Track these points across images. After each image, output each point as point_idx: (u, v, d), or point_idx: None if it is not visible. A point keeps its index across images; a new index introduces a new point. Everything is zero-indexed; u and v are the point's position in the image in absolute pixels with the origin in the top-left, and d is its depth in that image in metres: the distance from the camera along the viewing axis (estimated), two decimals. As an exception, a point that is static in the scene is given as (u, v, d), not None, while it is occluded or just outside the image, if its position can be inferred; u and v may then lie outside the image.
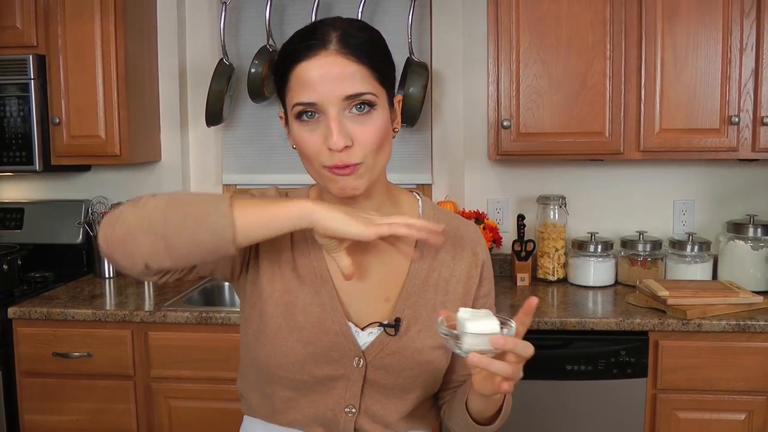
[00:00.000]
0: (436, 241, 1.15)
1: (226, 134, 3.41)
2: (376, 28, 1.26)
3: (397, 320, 1.28)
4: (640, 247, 3.00)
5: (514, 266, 3.04)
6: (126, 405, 2.69)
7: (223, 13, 3.13)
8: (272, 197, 1.29)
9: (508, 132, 2.83)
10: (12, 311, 2.69)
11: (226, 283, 3.16)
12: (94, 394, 2.69)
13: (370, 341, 1.27)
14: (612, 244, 3.05)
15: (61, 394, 2.70)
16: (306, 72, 1.17)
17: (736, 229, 2.93)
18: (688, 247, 2.94)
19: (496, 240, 3.04)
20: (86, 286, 3.07)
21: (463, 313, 1.08)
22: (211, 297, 3.09)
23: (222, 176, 3.43)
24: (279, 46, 3.16)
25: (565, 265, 3.10)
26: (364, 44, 1.19)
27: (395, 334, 1.27)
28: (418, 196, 1.41)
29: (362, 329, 1.28)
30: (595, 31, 2.76)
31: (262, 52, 3.17)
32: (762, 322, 2.45)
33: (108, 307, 2.71)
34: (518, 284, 3.03)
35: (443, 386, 1.38)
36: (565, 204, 3.10)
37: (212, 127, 3.29)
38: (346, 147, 1.16)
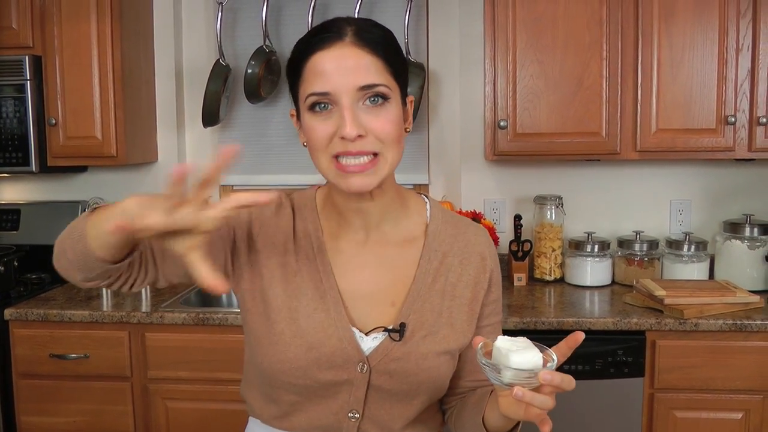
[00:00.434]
0: (264, 199, 1.01)
1: (223, 135, 3.41)
2: None
3: (402, 325, 1.26)
4: (637, 247, 3.01)
5: (511, 266, 3.05)
6: (123, 406, 2.69)
7: (220, 13, 3.13)
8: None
9: (505, 132, 2.83)
10: (8, 313, 2.68)
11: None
12: (91, 396, 2.69)
13: (374, 346, 1.26)
14: (609, 244, 3.05)
15: (58, 395, 2.70)
16: (320, 63, 1.16)
17: (733, 228, 2.93)
18: (685, 247, 2.94)
19: (493, 240, 3.03)
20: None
21: (502, 342, 1.07)
22: (208, 298, 3.08)
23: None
24: (275, 47, 3.20)
25: (562, 265, 3.10)
26: (379, 39, 1.19)
27: (400, 340, 1.25)
28: (426, 199, 1.39)
29: (367, 334, 1.27)
30: (591, 32, 2.76)
31: (259, 52, 3.16)
32: (759, 322, 2.46)
33: (105, 309, 2.70)
34: (515, 284, 3.03)
35: (450, 392, 1.36)
36: (562, 204, 3.10)
37: (209, 128, 3.29)
38: (359, 137, 1.15)
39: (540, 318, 2.52)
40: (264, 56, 3.16)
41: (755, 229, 2.89)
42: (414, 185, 3.30)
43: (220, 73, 3.18)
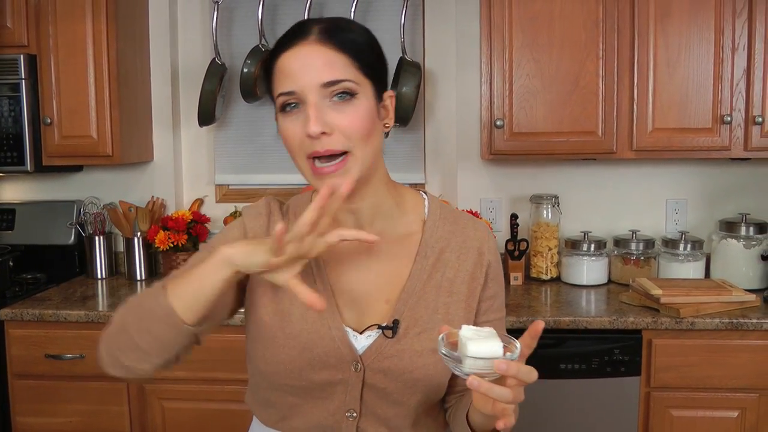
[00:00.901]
0: (368, 238, 1.14)
1: (219, 134, 3.40)
2: (368, 27, 1.26)
3: (395, 322, 1.25)
4: (633, 246, 3.01)
5: (508, 265, 3.04)
6: (119, 407, 2.68)
7: (216, 12, 3.12)
8: (204, 254, 1.24)
9: (501, 131, 2.83)
10: (4, 313, 2.67)
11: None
12: (87, 396, 2.68)
13: (368, 345, 1.25)
14: (605, 243, 3.05)
15: (53, 396, 2.69)
16: (286, 63, 1.18)
17: (729, 227, 2.94)
18: (681, 246, 2.95)
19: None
20: (78, 287, 3.06)
21: (466, 331, 1.05)
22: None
23: (214, 176, 3.42)
24: (271, 46, 3.18)
25: (558, 264, 3.11)
26: (347, 36, 1.20)
27: (393, 337, 1.25)
28: (424, 195, 1.39)
29: (361, 333, 1.27)
30: (587, 31, 2.76)
31: (255, 51, 3.16)
32: (754, 320, 2.46)
33: (101, 308, 2.70)
34: (512, 283, 3.03)
35: (449, 390, 1.34)
36: (558, 203, 3.11)
37: (205, 127, 3.28)
38: (324, 134, 1.15)
39: (536, 317, 2.52)
40: (260, 55, 3.15)
41: (751, 228, 2.90)
42: (410, 184, 3.28)
43: (215, 72, 3.18)
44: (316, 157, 1.17)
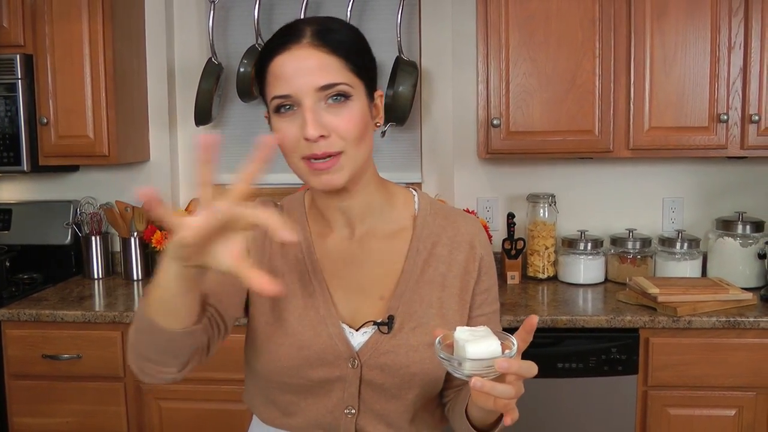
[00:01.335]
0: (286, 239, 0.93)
1: (215, 134, 3.40)
2: (364, 27, 1.27)
3: (390, 318, 1.26)
4: (630, 245, 3.01)
5: (505, 264, 3.05)
6: (116, 407, 2.68)
7: (212, 12, 3.12)
8: None
9: (498, 130, 2.83)
10: (0, 313, 2.67)
11: (216, 284, 3.14)
12: (84, 396, 2.68)
13: (364, 341, 1.27)
14: (602, 242, 3.06)
15: (50, 396, 2.69)
16: (280, 66, 1.19)
17: (725, 226, 2.94)
18: (678, 245, 2.95)
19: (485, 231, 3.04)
20: (75, 287, 3.06)
21: (461, 333, 1.05)
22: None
23: (211, 176, 3.41)
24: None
25: (555, 263, 3.11)
26: (339, 37, 1.20)
27: (388, 332, 1.26)
28: (414, 192, 1.40)
29: (357, 329, 1.28)
30: (584, 30, 2.76)
31: (251, 51, 3.16)
32: (751, 319, 2.47)
33: (97, 309, 2.70)
34: (508, 282, 3.03)
35: (446, 384, 1.34)
36: (555, 202, 3.11)
37: (201, 127, 3.28)
38: (322, 137, 1.17)
39: (534, 316, 2.52)
40: (256, 55, 3.15)
41: (747, 227, 2.90)
42: (407, 184, 3.27)
43: (212, 72, 3.17)
44: (311, 158, 1.19)
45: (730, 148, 2.77)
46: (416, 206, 1.37)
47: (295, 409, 1.30)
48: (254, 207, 0.93)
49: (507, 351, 1.04)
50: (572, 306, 2.70)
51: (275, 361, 1.27)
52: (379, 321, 1.27)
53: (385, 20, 3.18)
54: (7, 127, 2.92)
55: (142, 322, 1.11)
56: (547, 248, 3.08)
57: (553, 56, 2.78)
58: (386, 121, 3.01)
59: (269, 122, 1.27)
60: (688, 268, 2.94)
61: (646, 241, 3.03)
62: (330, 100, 1.18)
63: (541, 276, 3.10)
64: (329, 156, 1.18)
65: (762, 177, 3.13)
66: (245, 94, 3.18)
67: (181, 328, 1.08)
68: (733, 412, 2.52)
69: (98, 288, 3.07)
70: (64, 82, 2.93)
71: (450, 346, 1.06)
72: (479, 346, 1.02)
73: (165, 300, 1.05)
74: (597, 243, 3.02)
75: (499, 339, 1.04)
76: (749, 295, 2.61)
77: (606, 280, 3.07)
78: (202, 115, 3.17)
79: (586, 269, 3.00)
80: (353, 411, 1.28)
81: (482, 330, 1.06)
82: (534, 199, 3.11)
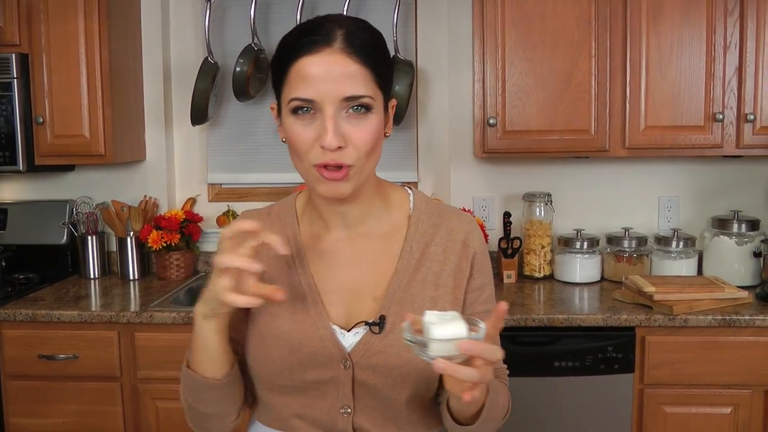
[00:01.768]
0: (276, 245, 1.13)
1: (211, 133, 3.40)
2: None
3: (382, 318, 1.26)
4: (626, 244, 3.02)
5: (501, 264, 3.05)
6: (113, 407, 2.67)
7: (208, 11, 3.12)
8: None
9: (494, 130, 2.83)
10: (-4, 313, 2.67)
11: (213, 283, 3.14)
12: (81, 396, 2.67)
13: (356, 342, 1.27)
14: (598, 241, 3.06)
15: (47, 396, 2.68)
16: (307, 67, 1.16)
17: (721, 224, 2.95)
18: (674, 243, 2.96)
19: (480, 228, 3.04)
20: (71, 287, 3.05)
21: (430, 316, 1.04)
22: (198, 297, 3.07)
23: (207, 175, 3.41)
24: (264, 45, 3.19)
25: (551, 262, 3.11)
26: (368, 45, 1.18)
27: (380, 332, 1.26)
28: (409, 191, 1.40)
29: (349, 330, 1.28)
30: (580, 30, 2.77)
31: (247, 50, 3.15)
32: (747, 317, 2.47)
33: (94, 308, 2.69)
34: (504, 281, 3.04)
35: (441, 384, 1.32)
36: (551, 201, 3.11)
37: (197, 126, 3.28)
38: (339, 147, 1.15)
39: (530, 315, 2.53)
40: (252, 54, 3.15)
41: (743, 225, 2.91)
42: (403, 183, 3.28)
43: (208, 71, 3.17)
44: (325, 165, 1.18)
45: (725, 147, 2.78)
46: (411, 206, 1.37)
47: (292, 411, 1.31)
48: (252, 225, 1.12)
49: (473, 333, 1.04)
50: (568, 305, 2.70)
51: (269, 363, 1.28)
52: (370, 321, 1.27)
53: (382, 19, 3.17)
54: (2, 127, 2.91)
55: (196, 387, 1.27)
56: (543, 247, 3.08)
57: (549, 56, 2.79)
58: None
59: (276, 113, 1.26)
60: (683, 267, 2.95)
61: (642, 240, 3.04)
62: (351, 110, 1.17)
63: (537, 275, 3.10)
64: (340, 167, 1.17)
65: (757, 176, 3.15)
66: (241, 94, 3.18)
67: (230, 368, 1.27)
68: (729, 410, 2.53)
69: (94, 288, 3.07)
70: (60, 81, 2.93)
71: (420, 332, 1.06)
72: (446, 328, 1.02)
73: (211, 354, 1.24)
74: (593, 242, 3.03)
75: (469, 324, 1.04)
76: (745, 294, 2.62)
77: (602, 278, 3.07)
78: (198, 115, 3.17)
79: (582, 268, 3.01)
80: (349, 410, 1.28)
81: (451, 314, 1.06)
82: (530, 198, 3.12)
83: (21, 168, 2.94)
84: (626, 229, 3.06)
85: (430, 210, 1.36)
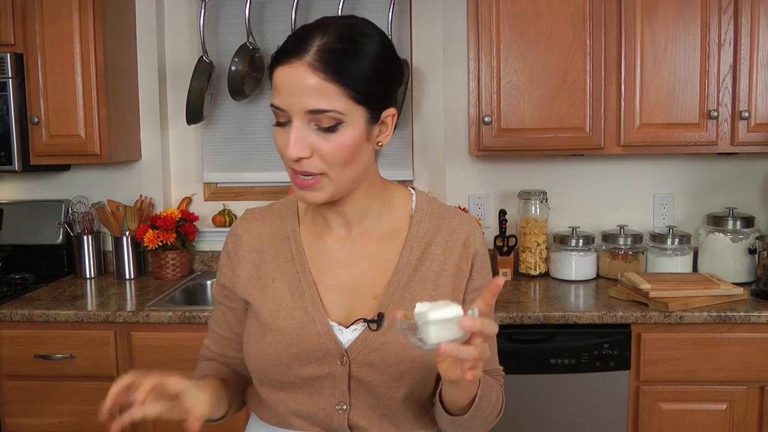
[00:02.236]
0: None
1: (207, 132, 3.39)
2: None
3: (380, 315, 1.27)
4: (621, 241, 3.03)
5: (496, 261, 3.06)
6: (110, 406, 2.67)
7: (203, 10, 3.11)
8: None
9: (489, 128, 2.84)
10: (-8, 313, 2.67)
11: (209, 282, 3.15)
12: (78, 396, 2.67)
13: (353, 338, 1.28)
14: (593, 239, 3.07)
15: (43, 396, 2.68)
16: (279, 77, 1.18)
17: (716, 222, 2.96)
18: (669, 241, 2.97)
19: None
20: (67, 286, 3.05)
21: (421, 307, 1.04)
22: (194, 296, 3.08)
23: (203, 174, 3.41)
24: (259, 44, 3.19)
25: (546, 260, 3.12)
26: (345, 59, 1.16)
27: (377, 329, 1.27)
28: (412, 191, 1.41)
29: (347, 327, 1.29)
30: (575, 28, 2.77)
31: (242, 49, 3.15)
32: (742, 314, 2.48)
33: (90, 308, 2.69)
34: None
35: (438, 382, 1.32)
36: (547, 199, 3.12)
37: (192, 126, 3.28)
38: (301, 158, 1.18)
39: (526, 312, 2.53)
40: (247, 53, 3.15)
41: (738, 222, 2.92)
42: (399, 182, 3.29)
43: (203, 71, 3.17)
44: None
45: (720, 145, 2.79)
46: (413, 206, 1.38)
47: (288, 407, 1.32)
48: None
49: (469, 312, 1.04)
50: (564, 302, 2.71)
51: (266, 359, 1.29)
52: (368, 318, 1.28)
53: (376, 18, 3.12)
54: (-3, 127, 2.91)
55: None
56: (538, 245, 3.09)
57: (544, 54, 2.79)
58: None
59: None
60: (679, 264, 2.96)
61: (637, 238, 3.04)
62: (320, 126, 1.17)
63: (533, 273, 3.11)
64: (309, 175, 1.20)
65: (752, 173, 3.15)
66: (236, 93, 3.18)
67: (228, 407, 1.38)
68: (724, 406, 2.54)
69: (90, 287, 3.07)
70: (55, 81, 2.92)
71: (414, 327, 1.06)
72: (441, 311, 1.02)
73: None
74: (588, 239, 3.04)
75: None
76: (740, 290, 2.63)
77: (598, 276, 3.08)
78: (194, 114, 3.17)
79: (577, 266, 3.01)
80: (345, 407, 1.29)
81: (443, 302, 1.05)
82: (525, 196, 3.12)
83: (16, 168, 2.93)
84: (621, 227, 3.07)
85: (432, 210, 1.37)
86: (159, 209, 3.31)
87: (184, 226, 3.19)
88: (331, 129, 1.17)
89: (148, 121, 3.31)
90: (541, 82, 2.80)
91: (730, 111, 2.76)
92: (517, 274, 3.15)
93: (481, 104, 2.84)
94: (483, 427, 1.27)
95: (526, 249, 3.11)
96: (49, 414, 2.69)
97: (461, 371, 1.07)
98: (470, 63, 2.86)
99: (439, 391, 1.25)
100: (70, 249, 3.27)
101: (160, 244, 3.11)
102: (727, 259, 2.92)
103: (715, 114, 2.74)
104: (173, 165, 3.41)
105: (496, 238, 3.07)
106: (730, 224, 2.93)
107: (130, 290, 2.99)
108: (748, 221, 2.93)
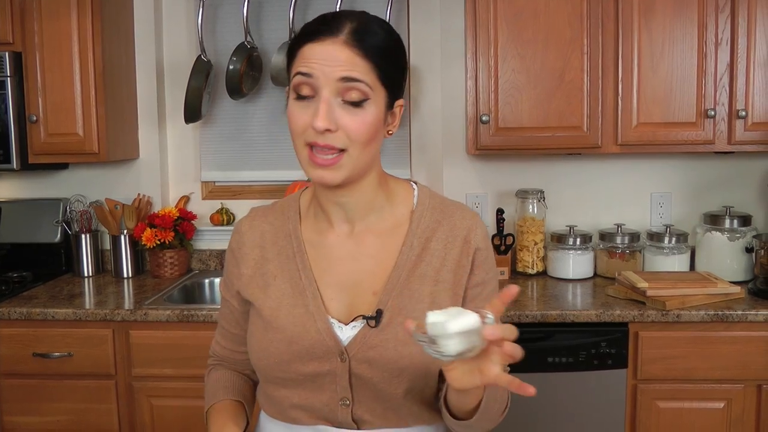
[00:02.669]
0: None
1: (205, 131, 3.40)
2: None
3: (378, 312, 1.28)
4: (619, 240, 3.03)
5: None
6: (108, 405, 2.67)
7: (201, 9, 3.11)
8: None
9: (487, 127, 2.84)
10: (-10, 312, 2.67)
11: (207, 281, 3.15)
12: (76, 395, 2.67)
13: (353, 335, 1.28)
14: (590, 237, 3.07)
15: (42, 394, 2.68)
16: (310, 51, 1.20)
17: (713, 220, 2.97)
18: (666, 239, 2.97)
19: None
20: (65, 285, 3.05)
21: (434, 317, 1.02)
22: (192, 294, 3.08)
23: (201, 173, 3.41)
24: (257, 43, 3.19)
25: (544, 259, 3.12)
26: (375, 42, 1.21)
27: (376, 326, 1.27)
28: (414, 186, 1.41)
29: (347, 324, 1.29)
30: (572, 27, 2.78)
31: (240, 48, 3.16)
32: (739, 312, 2.49)
33: (88, 306, 2.69)
34: (498, 278, 3.04)
35: (441, 378, 1.31)
36: (544, 198, 3.12)
37: (190, 124, 3.28)
38: (328, 130, 1.18)
39: (523, 311, 2.54)
40: (245, 52, 3.16)
41: (735, 221, 2.93)
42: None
43: (201, 69, 3.17)
44: (314, 146, 1.20)
45: (717, 144, 2.79)
46: (414, 201, 1.38)
47: (292, 403, 1.32)
48: None
49: (486, 320, 1.03)
50: (562, 301, 2.71)
51: (267, 356, 1.30)
52: (367, 315, 1.28)
53: (374, 17, 3.18)
54: (-4, 125, 2.91)
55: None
56: (536, 244, 3.09)
57: (541, 53, 2.80)
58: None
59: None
60: (676, 263, 2.96)
61: (634, 236, 3.05)
62: (347, 96, 1.19)
63: (530, 271, 3.11)
64: (331, 150, 1.20)
65: (749, 171, 3.16)
66: (234, 92, 3.18)
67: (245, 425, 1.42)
68: (722, 405, 2.54)
69: (88, 286, 3.07)
70: (53, 79, 2.92)
71: (433, 339, 1.03)
72: (458, 321, 1.00)
73: None
74: (586, 238, 3.04)
75: (474, 313, 1.03)
76: (737, 289, 2.63)
77: (595, 275, 3.08)
78: (192, 113, 3.17)
79: (575, 264, 3.02)
80: (348, 402, 1.30)
81: (454, 310, 1.04)
82: (523, 194, 3.13)
83: (14, 166, 2.93)
84: (619, 225, 3.07)
85: (433, 206, 1.37)
86: (157, 208, 3.31)
87: (182, 225, 3.20)
88: (358, 104, 1.19)
89: (146, 120, 3.31)
90: (539, 81, 2.81)
91: (727, 110, 2.77)
92: (514, 272, 3.15)
93: (478, 103, 2.84)
94: (489, 424, 1.27)
95: (523, 248, 3.11)
96: (47, 412, 2.69)
97: (482, 377, 1.06)
98: (468, 62, 2.86)
99: (443, 395, 1.25)
100: (68, 247, 3.27)
101: (158, 242, 3.12)
102: (724, 257, 2.92)
103: (712, 113, 2.74)
104: (171, 164, 3.41)
105: (493, 236, 3.08)
106: (727, 223, 2.93)
107: (128, 289, 2.99)
108: (745, 220, 2.94)
